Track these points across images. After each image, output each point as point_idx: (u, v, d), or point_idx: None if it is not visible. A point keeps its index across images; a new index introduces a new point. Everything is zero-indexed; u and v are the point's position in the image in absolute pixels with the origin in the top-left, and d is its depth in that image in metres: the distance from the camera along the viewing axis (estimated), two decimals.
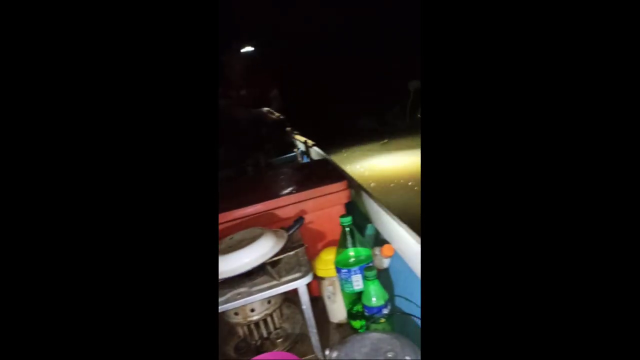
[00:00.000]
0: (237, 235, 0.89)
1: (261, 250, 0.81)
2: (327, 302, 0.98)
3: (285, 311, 0.91)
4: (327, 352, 0.76)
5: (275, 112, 2.27)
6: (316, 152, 1.90)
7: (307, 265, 0.79)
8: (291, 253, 0.85)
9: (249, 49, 2.28)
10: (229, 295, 0.74)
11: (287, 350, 0.81)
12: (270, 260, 0.80)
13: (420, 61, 0.42)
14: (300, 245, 0.87)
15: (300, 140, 2.32)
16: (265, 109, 2.29)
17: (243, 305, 0.77)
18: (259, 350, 0.80)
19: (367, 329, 0.83)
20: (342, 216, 0.90)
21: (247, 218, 1.08)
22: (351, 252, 0.89)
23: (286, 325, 0.88)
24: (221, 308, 0.73)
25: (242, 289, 0.75)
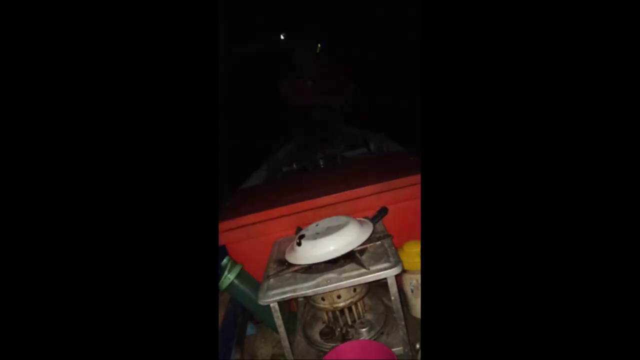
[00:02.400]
0: (323, 222, 0.89)
1: (349, 237, 0.80)
2: (410, 296, 0.95)
3: (367, 302, 0.90)
4: (417, 346, 0.74)
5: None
6: (391, 145, 1.86)
7: (396, 255, 0.76)
8: (377, 243, 0.83)
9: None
10: (319, 279, 0.75)
11: (373, 340, 0.80)
12: (359, 248, 0.80)
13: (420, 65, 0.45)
14: (386, 236, 0.85)
15: (372, 133, 2.29)
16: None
17: (330, 292, 0.78)
18: (344, 337, 0.80)
19: None
20: None
21: (326, 207, 1.09)
22: None
23: (369, 316, 0.87)
24: (311, 292, 0.74)
25: (331, 275, 0.75)
